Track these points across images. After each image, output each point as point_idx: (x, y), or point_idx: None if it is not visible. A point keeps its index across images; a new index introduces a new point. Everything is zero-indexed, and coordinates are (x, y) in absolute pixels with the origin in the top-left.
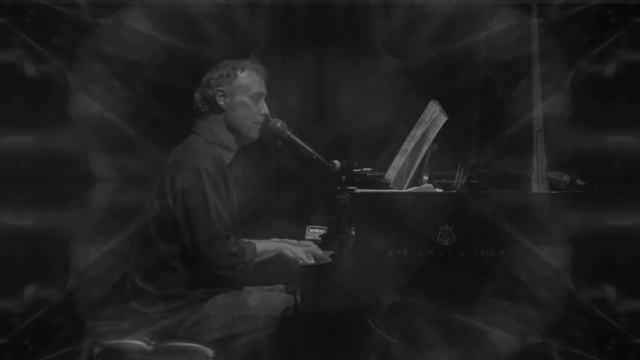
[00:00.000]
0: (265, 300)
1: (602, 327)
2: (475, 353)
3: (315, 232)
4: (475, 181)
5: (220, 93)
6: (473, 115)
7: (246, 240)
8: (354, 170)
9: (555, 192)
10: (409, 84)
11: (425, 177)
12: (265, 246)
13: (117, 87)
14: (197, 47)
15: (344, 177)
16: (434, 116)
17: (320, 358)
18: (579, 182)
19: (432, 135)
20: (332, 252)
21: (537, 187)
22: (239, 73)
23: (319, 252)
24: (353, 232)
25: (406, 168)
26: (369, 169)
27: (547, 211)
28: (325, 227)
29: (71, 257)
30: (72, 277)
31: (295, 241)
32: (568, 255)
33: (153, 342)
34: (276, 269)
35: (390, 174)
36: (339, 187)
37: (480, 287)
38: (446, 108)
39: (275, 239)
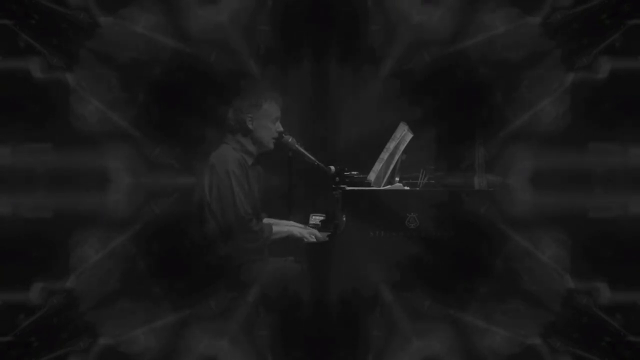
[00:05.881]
0: (280, 267)
1: (597, 324)
2: (473, 351)
3: (316, 218)
4: (433, 181)
5: (249, 118)
6: (470, 117)
7: (266, 222)
8: (345, 173)
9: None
10: (405, 89)
11: (397, 178)
12: (280, 228)
13: (124, 89)
14: (202, 51)
15: (337, 178)
16: (404, 134)
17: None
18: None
19: (402, 147)
20: (328, 233)
21: (478, 185)
22: (263, 103)
23: (319, 234)
24: (344, 219)
25: (383, 172)
26: (355, 172)
27: (485, 203)
28: (324, 215)
29: (74, 255)
30: (76, 275)
31: (302, 225)
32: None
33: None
34: (288, 245)
35: (371, 176)
36: (333, 186)
37: (437, 262)
38: (443, 111)
39: (288, 223)
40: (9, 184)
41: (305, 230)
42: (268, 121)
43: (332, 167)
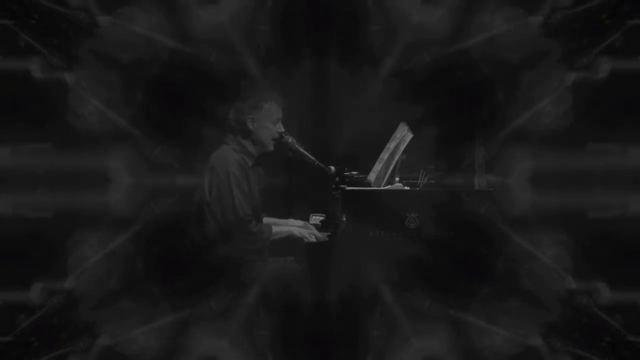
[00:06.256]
0: (280, 267)
1: (597, 324)
2: (473, 351)
3: (316, 218)
4: (432, 181)
5: (250, 119)
6: (470, 117)
7: (266, 222)
8: (345, 173)
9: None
10: (405, 89)
11: (397, 178)
12: (280, 228)
13: (124, 89)
14: (202, 51)
15: (337, 178)
16: (404, 134)
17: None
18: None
19: (402, 147)
20: (328, 233)
21: (478, 185)
22: (264, 104)
23: (319, 234)
24: (344, 219)
25: (383, 172)
26: (355, 172)
27: (485, 203)
28: (324, 215)
29: (74, 255)
30: (76, 275)
31: (302, 223)
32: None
33: None
34: (288, 245)
35: (371, 176)
36: (333, 186)
37: (437, 262)
38: (443, 111)
39: (288, 222)
40: (9, 183)
41: (305, 230)
42: (269, 122)
43: (332, 167)
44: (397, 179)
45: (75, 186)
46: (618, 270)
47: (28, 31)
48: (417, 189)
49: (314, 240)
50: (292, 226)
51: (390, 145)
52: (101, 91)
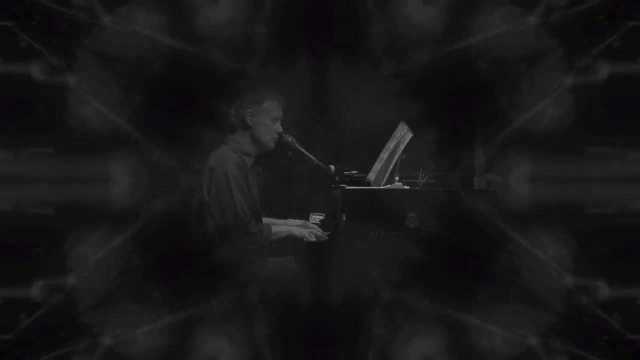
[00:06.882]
0: (280, 267)
1: (596, 323)
2: (472, 351)
3: (316, 217)
4: (432, 181)
5: (249, 113)
6: (470, 117)
7: (266, 223)
8: (345, 172)
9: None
10: (406, 89)
11: (397, 178)
12: (280, 228)
13: (125, 90)
14: (204, 51)
15: (337, 177)
16: (404, 133)
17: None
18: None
19: (402, 147)
20: (328, 232)
21: (478, 185)
22: (265, 101)
23: (319, 232)
24: (344, 218)
25: (383, 171)
26: (355, 172)
27: (484, 202)
28: (324, 215)
29: (75, 255)
30: (77, 274)
31: (302, 221)
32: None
33: None
34: (288, 245)
35: (371, 176)
36: (333, 185)
37: (437, 262)
38: (443, 111)
39: (287, 222)
40: (10, 183)
41: (305, 229)
42: (268, 119)
43: (332, 167)
44: (397, 178)
45: (77, 186)
46: (617, 268)
47: (28, 31)
48: (417, 188)
49: (314, 239)
50: (291, 226)
51: (390, 145)
52: (102, 92)
